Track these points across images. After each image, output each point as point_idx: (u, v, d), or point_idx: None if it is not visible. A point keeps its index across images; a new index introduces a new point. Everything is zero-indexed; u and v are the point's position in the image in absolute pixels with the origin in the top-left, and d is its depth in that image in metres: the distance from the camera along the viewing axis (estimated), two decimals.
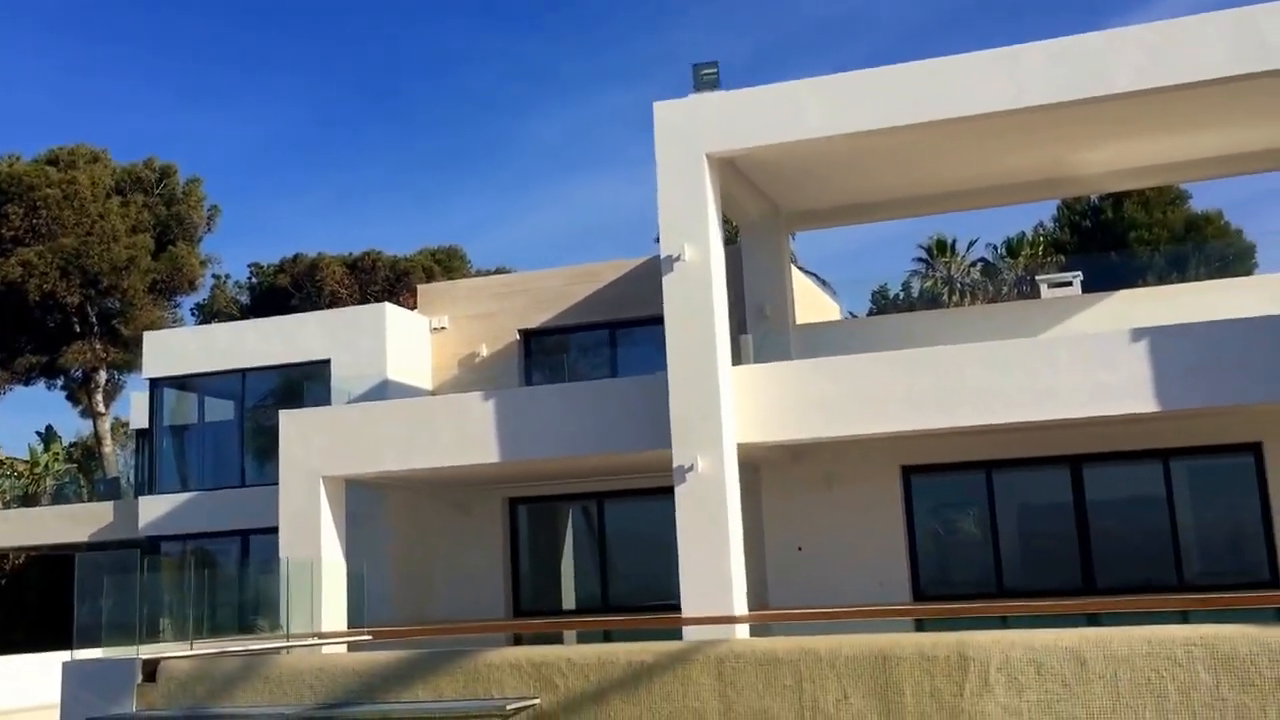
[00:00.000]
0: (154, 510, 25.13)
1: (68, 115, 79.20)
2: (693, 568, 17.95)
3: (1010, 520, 21.41)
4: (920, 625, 16.88)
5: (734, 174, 19.80)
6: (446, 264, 44.06)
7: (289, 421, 21.07)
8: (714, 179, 18.67)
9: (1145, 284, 24.24)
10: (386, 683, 12.15)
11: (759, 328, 21.84)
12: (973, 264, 42.53)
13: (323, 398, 23.22)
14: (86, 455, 50.27)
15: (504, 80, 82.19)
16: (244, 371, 25.07)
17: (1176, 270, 33.01)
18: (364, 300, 39.67)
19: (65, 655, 15.00)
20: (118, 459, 44.58)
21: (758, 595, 20.07)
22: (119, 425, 46.14)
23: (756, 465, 21.21)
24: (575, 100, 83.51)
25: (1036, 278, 25.26)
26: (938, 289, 40.63)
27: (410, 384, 23.83)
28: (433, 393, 24.33)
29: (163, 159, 43.75)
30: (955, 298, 39.82)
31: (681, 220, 18.55)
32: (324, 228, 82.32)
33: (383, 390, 23.15)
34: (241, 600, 21.72)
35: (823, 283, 28.50)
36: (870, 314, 35.05)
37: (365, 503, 22.33)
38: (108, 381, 42.98)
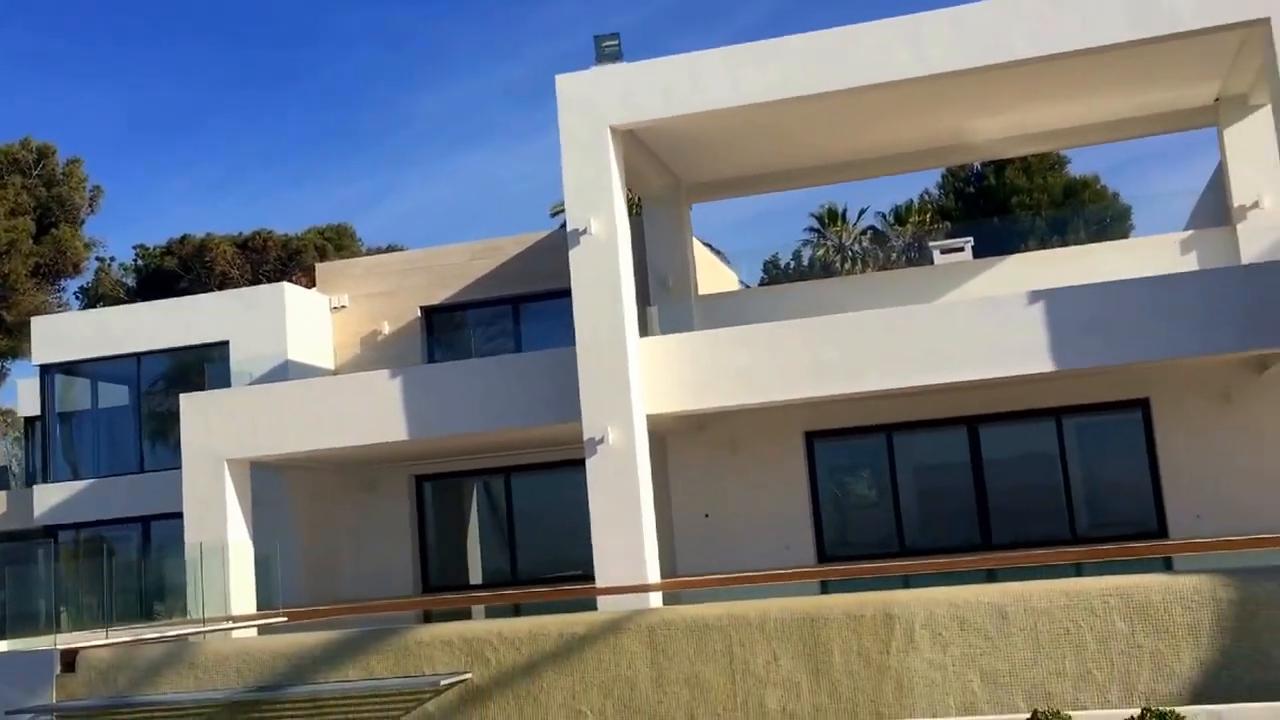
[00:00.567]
0: (49, 499, 24.50)
1: None
2: (606, 538, 18.07)
3: (910, 481, 21.92)
4: (825, 587, 17.28)
5: (636, 146, 19.85)
6: (337, 242, 43.41)
7: (190, 405, 20.70)
8: (618, 151, 18.71)
9: (1028, 248, 24.83)
10: (316, 664, 12.12)
11: (662, 299, 22.01)
12: (863, 232, 43.20)
13: (222, 380, 22.86)
14: None
15: (386, 55, 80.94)
16: (139, 355, 24.51)
17: (1058, 234, 33.83)
18: (256, 281, 38.88)
19: None
20: (2, 447, 43.25)
21: (666, 563, 20.28)
22: (2, 414, 44.76)
23: (663, 435, 21.38)
24: (458, 75, 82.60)
25: (930, 244, 25.80)
26: (830, 257, 41.21)
27: (311, 364, 23.54)
28: (335, 372, 24.08)
29: (38, 139, 42.37)
30: (847, 266, 40.41)
31: (587, 193, 18.58)
32: (210, 208, 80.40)
33: (284, 371, 22.84)
34: (147, 587, 21.39)
35: (717, 253, 28.72)
36: (762, 284, 35.37)
37: (270, 484, 22.05)
38: None
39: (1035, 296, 17.72)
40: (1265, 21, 16.54)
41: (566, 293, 23.12)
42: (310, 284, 26.23)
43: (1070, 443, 21.19)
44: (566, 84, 18.80)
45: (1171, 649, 10.27)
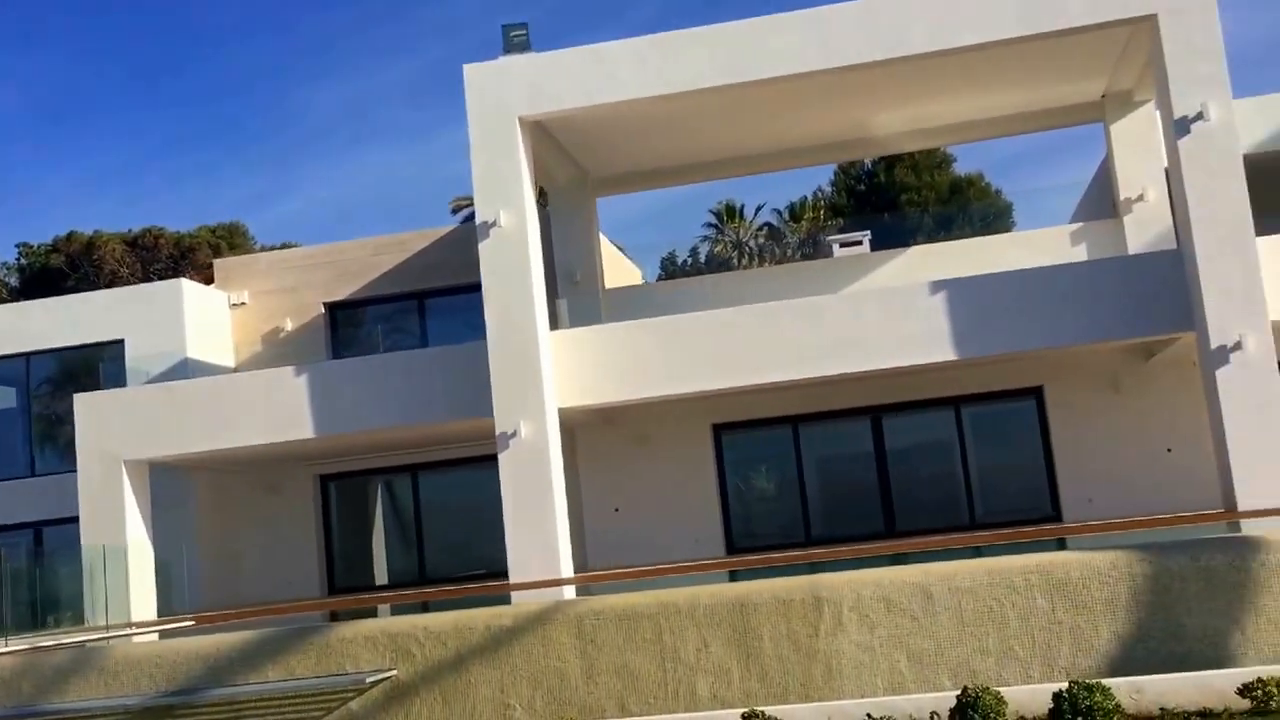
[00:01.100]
0: None
1: None
2: (519, 533, 17.96)
3: (816, 471, 22.19)
4: (734, 576, 17.41)
5: (543, 138, 19.77)
6: (229, 240, 42.51)
7: (84, 405, 20.12)
8: (526, 143, 18.63)
9: (917, 244, 25.33)
10: (233, 665, 11.87)
11: (570, 293, 21.97)
12: (760, 228, 43.62)
13: (117, 379, 22.24)
14: None
15: (276, 50, 79.40)
16: (28, 355, 23.73)
17: (944, 230, 34.68)
18: (146, 279, 37.86)
19: None
20: None
21: (576, 558, 20.22)
22: None
23: (571, 429, 21.35)
24: (351, 71, 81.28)
25: (829, 238, 26.15)
26: (728, 253, 41.52)
27: (211, 362, 23.01)
28: (235, 371, 23.58)
29: None
30: (744, 261, 40.77)
31: (495, 185, 18.45)
32: (97, 204, 77.99)
33: (183, 369, 22.30)
34: (42, 595, 20.75)
35: (619, 248, 28.77)
36: (660, 280, 35.53)
37: (170, 486, 21.54)
38: None
39: (938, 286, 18.06)
40: (1152, 17, 17.04)
41: (473, 287, 22.94)
42: (206, 282, 25.65)
43: (969, 431, 21.64)
44: (474, 74, 18.64)
45: (1090, 624, 10.56)
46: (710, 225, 43.74)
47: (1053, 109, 22.00)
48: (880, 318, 18.09)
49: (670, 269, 41.45)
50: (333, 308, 24.29)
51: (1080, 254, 21.65)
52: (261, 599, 22.36)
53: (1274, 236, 16.84)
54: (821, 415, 21.78)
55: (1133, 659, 10.50)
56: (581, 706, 11.22)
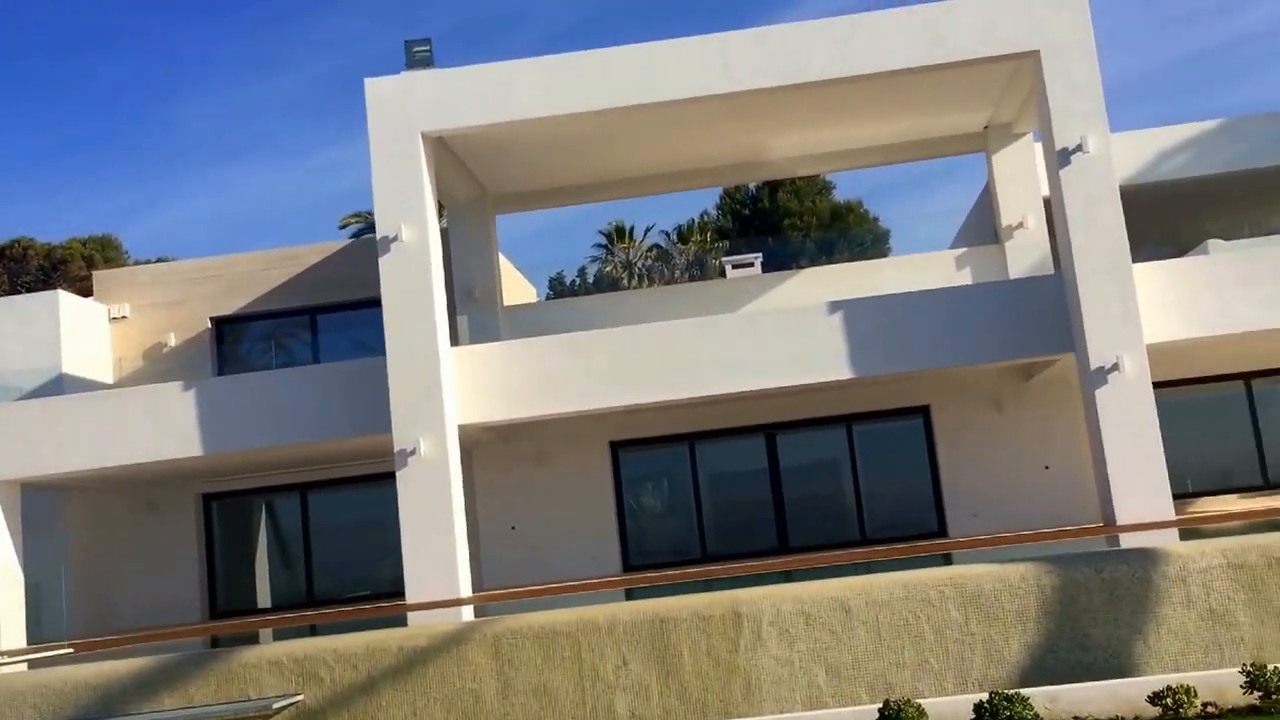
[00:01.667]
0: None
1: None
2: (417, 552, 17.73)
3: (712, 489, 22.38)
4: (630, 594, 17.51)
5: (444, 154, 19.65)
6: (102, 253, 41.27)
7: None
8: (429, 158, 18.52)
9: (800, 266, 25.78)
10: (127, 694, 11.47)
11: (468, 309, 21.86)
12: (649, 249, 43.92)
13: None
14: None
15: (149, 63, 77.43)
16: None
17: (825, 254, 35.29)
18: (14, 291, 36.49)
19: None
20: None
21: (473, 577, 20.10)
22: None
23: (469, 447, 21.21)
24: (226, 87, 79.61)
25: (723, 259, 26.43)
26: (618, 273, 41.71)
27: (89, 378, 22.24)
28: (114, 386, 22.85)
29: None
30: (634, 282, 40.98)
31: (397, 200, 18.27)
32: None
33: (59, 385, 21.43)
34: None
35: (514, 266, 28.72)
36: (548, 298, 35.56)
37: (41, 506, 20.74)
38: None
39: (835, 307, 18.40)
40: (1036, 54, 17.69)
41: (366, 303, 22.91)
42: (80, 295, 24.83)
43: (859, 449, 22.04)
44: (376, 88, 18.47)
45: (1002, 635, 10.86)
46: (600, 246, 43.94)
47: (938, 138, 22.63)
48: (778, 337, 18.34)
49: (558, 289, 41.50)
50: (219, 322, 23.71)
51: (965, 278, 22.30)
52: (139, 624, 21.67)
53: (1149, 263, 17.52)
54: (717, 433, 22.01)
55: (1042, 669, 10.82)
56: None
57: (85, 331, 22.72)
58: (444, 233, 21.90)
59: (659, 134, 20.51)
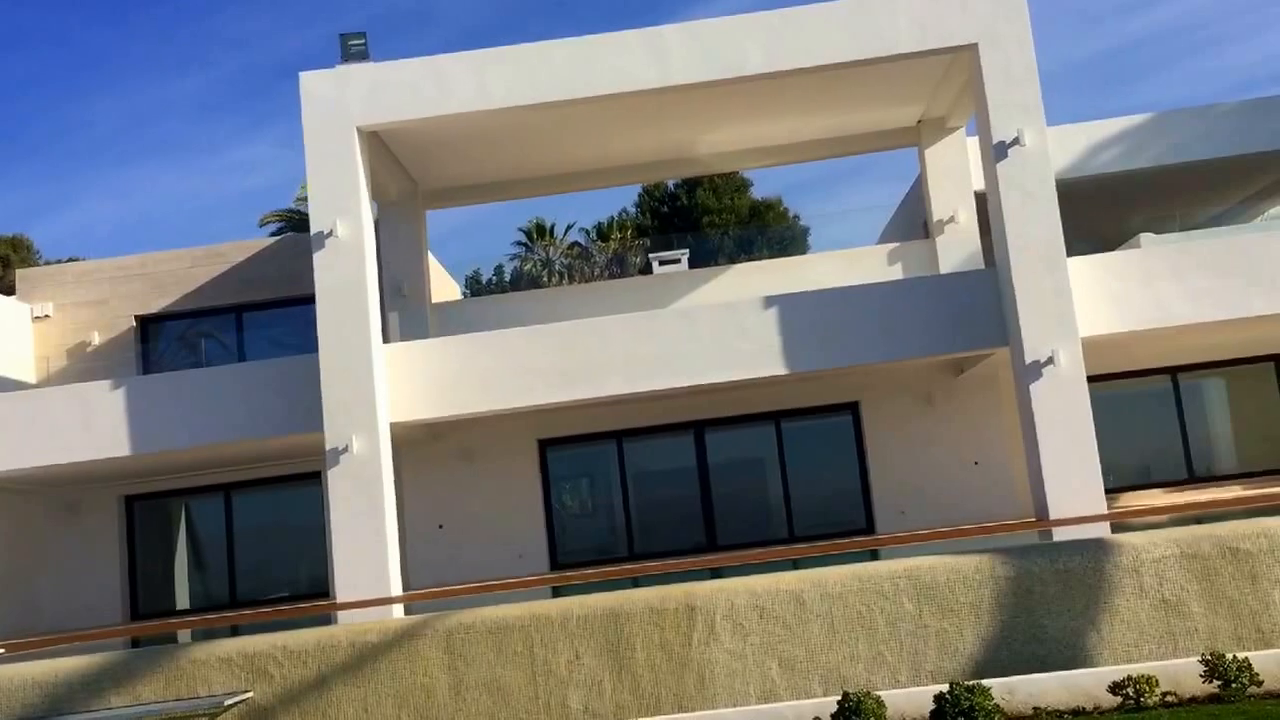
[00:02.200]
0: None
1: None
2: (348, 551, 17.48)
3: (640, 487, 22.29)
4: (557, 592, 17.37)
5: (377, 148, 19.37)
6: (13, 252, 40.05)
7: None
8: (364, 152, 18.23)
9: (719, 263, 25.78)
10: (74, 692, 11.16)
11: (397, 306, 21.55)
12: (570, 247, 43.72)
13: None
14: None
15: (52, 60, 75.30)
16: None
17: (744, 251, 35.41)
18: None
19: None
20: None
21: (401, 576, 19.84)
22: None
23: (397, 445, 20.89)
24: (133, 85, 77.64)
25: (649, 256, 26.34)
26: (538, 271, 41.46)
27: (10, 377, 21.60)
28: (37, 386, 22.20)
29: None
30: (554, 279, 40.77)
31: (332, 195, 17.99)
32: None
33: None
34: None
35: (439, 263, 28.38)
36: (466, 297, 35.22)
37: None
38: None
39: (770, 302, 18.42)
40: (973, 47, 17.83)
41: (292, 301, 22.53)
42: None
43: (788, 445, 22.06)
44: (311, 82, 18.16)
45: (955, 627, 10.88)
46: (519, 244, 43.67)
47: (870, 133, 22.74)
48: (712, 332, 18.32)
49: (474, 287, 41.13)
50: (145, 321, 23.17)
51: (896, 272, 22.41)
52: (60, 626, 21.10)
53: (1082, 257, 17.74)
54: (645, 430, 21.93)
55: (996, 661, 10.86)
56: None
57: (7, 330, 22.13)
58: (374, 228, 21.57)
59: (592, 128, 20.40)
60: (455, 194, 23.08)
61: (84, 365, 22.43)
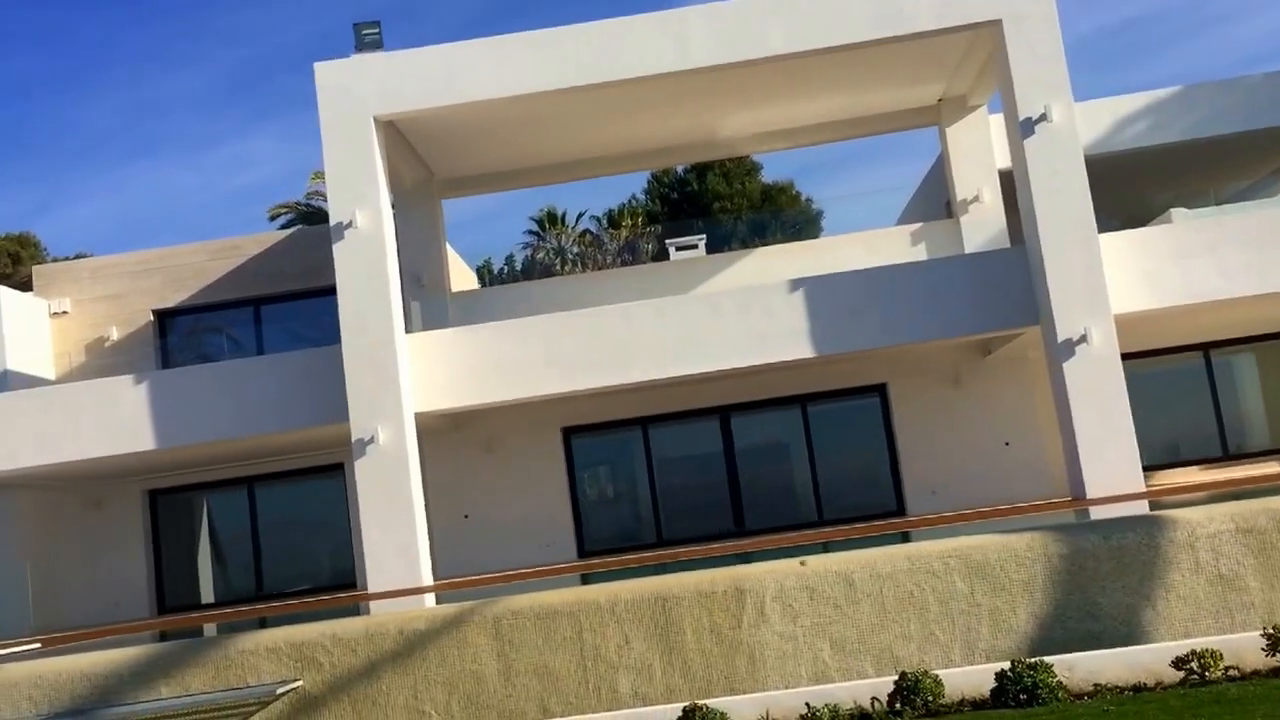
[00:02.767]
0: None
1: None
2: (377, 541, 17.38)
3: (666, 473, 22.15)
4: (586, 579, 17.30)
5: (393, 138, 19.22)
6: (21, 250, 39.95)
7: None
8: (381, 142, 18.09)
9: (733, 249, 25.58)
10: (123, 683, 11.09)
11: (417, 296, 21.43)
12: (581, 235, 43.57)
13: None
14: None
15: (48, 58, 75.10)
16: None
17: (758, 236, 35.24)
18: None
19: None
20: None
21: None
22: None
23: (420, 435, 20.78)
24: (129, 81, 77.47)
25: (665, 241, 26.17)
26: (550, 259, 41.31)
27: (30, 373, 21.53)
28: (56, 382, 22.13)
29: None
30: (567, 268, 40.63)
31: (351, 185, 17.86)
32: None
33: (3, 381, 20.78)
34: None
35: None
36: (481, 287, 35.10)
37: None
38: None
39: (796, 285, 18.26)
40: (997, 23, 17.64)
41: (310, 293, 22.42)
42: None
43: (815, 429, 21.92)
44: (327, 72, 18.00)
45: (1008, 605, 10.77)
46: (531, 232, 43.52)
47: (890, 113, 22.59)
48: (738, 316, 18.17)
49: (486, 277, 41.00)
50: (162, 315, 23.08)
51: (919, 253, 22.25)
52: (89, 621, 21.05)
53: (1113, 234, 17.57)
54: (670, 416, 21.80)
55: (1050, 639, 10.75)
56: (500, 710, 10.86)
57: (26, 327, 22.07)
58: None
59: (612, 114, 20.26)
60: (470, 183, 22.95)
61: (103, 361, 22.36)
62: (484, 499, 21.43)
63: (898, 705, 9.82)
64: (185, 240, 23.41)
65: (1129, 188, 22.11)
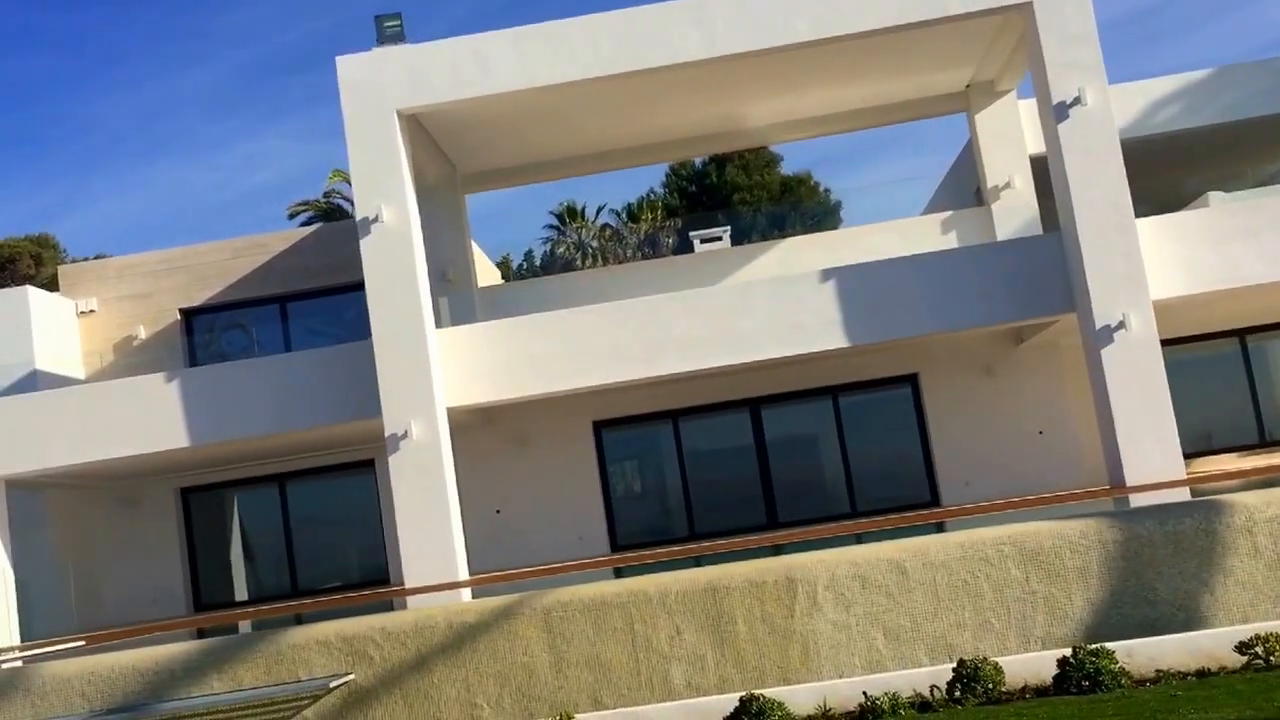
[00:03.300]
0: None
1: None
2: (412, 536, 17.35)
3: (698, 466, 22.03)
4: (619, 573, 17.19)
5: (416, 132, 19.15)
6: (42, 251, 39.99)
7: None
8: (405, 136, 18.01)
9: (751, 241, 25.41)
10: (175, 678, 11.07)
11: (443, 291, 21.36)
12: (602, 229, 43.50)
13: None
14: None
15: (60, 60, 75.21)
16: None
17: (777, 228, 35.11)
18: None
19: None
20: None
21: None
22: None
23: (451, 430, 20.74)
24: (141, 82, 77.51)
25: (690, 234, 26.05)
26: (571, 254, 41.25)
27: (59, 373, 21.56)
28: (86, 381, 22.15)
29: None
30: (587, 262, 40.55)
31: (376, 180, 17.80)
32: None
33: (33, 381, 20.80)
34: None
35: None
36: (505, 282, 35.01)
37: (24, 505, 20.12)
38: None
39: (828, 275, 18.15)
40: (1028, 5, 17.41)
41: (336, 289, 22.39)
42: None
43: (847, 420, 21.77)
44: (349, 66, 17.92)
45: (1064, 592, 10.66)
46: (552, 227, 43.45)
47: (917, 100, 22.46)
48: (770, 307, 18.06)
49: (506, 272, 40.99)
50: (189, 313, 23.08)
51: (950, 242, 22.07)
52: (124, 618, 21.08)
53: (1149, 218, 17.40)
54: (701, 409, 21.69)
55: (1107, 625, 10.65)
56: (552, 702, 10.79)
57: (54, 327, 22.12)
58: None
59: (635, 104, 20.17)
60: (493, 177, 22.91)
61: (131, 359, 22.39)
62: (515, 493, 21.36)
63: (958, 693, 9.72)
64: (201, 241, 23.33)
65: (1159, 172, 21.88)
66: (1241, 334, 20.87)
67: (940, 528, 14.91)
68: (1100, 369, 16.84)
